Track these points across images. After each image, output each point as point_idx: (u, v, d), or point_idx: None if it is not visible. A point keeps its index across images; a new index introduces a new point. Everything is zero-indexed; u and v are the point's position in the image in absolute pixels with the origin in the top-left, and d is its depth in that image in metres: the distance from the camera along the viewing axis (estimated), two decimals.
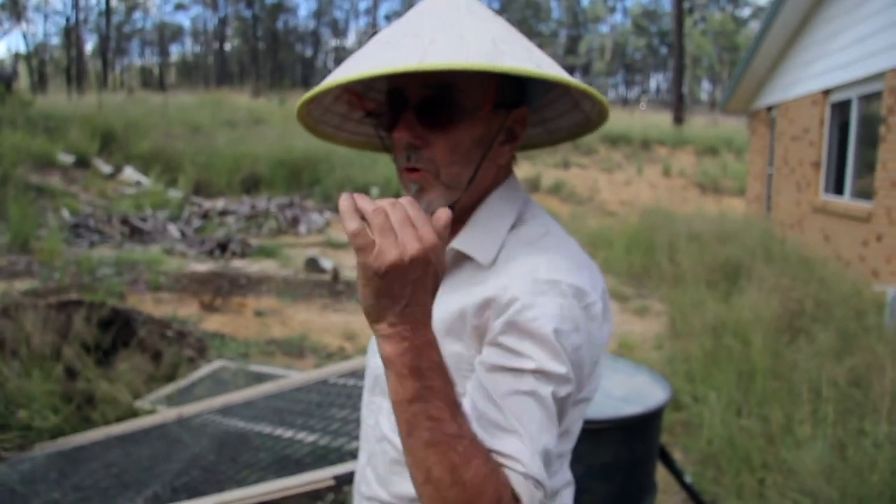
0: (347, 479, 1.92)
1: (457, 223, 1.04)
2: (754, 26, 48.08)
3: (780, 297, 5.86)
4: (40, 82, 47.28)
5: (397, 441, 0.99)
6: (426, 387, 0.82)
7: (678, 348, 5.84)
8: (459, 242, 1.04)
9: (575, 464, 2.21)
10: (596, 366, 1.04)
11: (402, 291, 0.80)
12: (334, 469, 1.99)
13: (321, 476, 1.97)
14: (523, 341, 0.92)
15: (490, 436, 0.90)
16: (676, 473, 2.78)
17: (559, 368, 0.92)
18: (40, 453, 3.95)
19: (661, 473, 3.32)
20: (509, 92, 1.01)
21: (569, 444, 1.09)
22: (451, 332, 1.00)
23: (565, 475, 1.12)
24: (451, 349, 0.98)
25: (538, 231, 1.05)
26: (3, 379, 4.57)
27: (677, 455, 4.23)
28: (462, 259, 1.05)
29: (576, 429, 1.08)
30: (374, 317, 0.82)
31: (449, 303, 1.01)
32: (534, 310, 0.93)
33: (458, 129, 0.99)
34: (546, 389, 0.92)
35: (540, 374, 0.92)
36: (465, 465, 0.83)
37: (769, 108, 11.82)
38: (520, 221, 1.06)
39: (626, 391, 2.48)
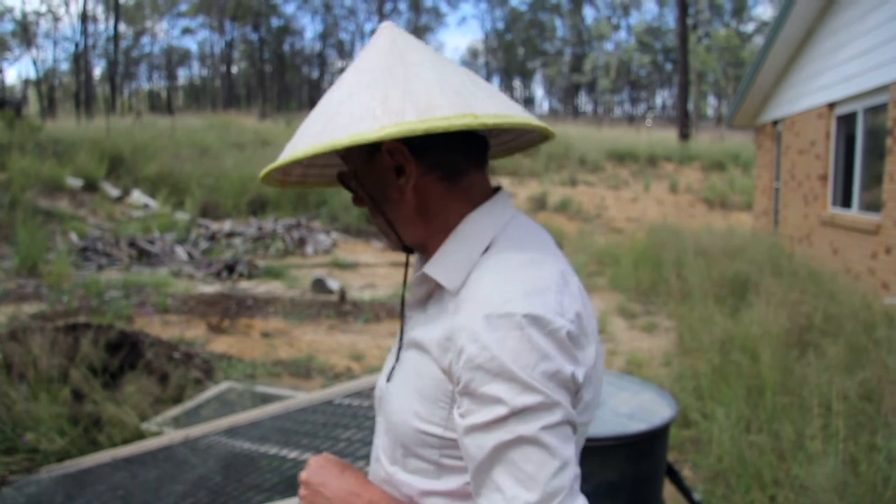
0: None
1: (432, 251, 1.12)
2: (759, 41, 48.21)
3: (788, 311, 5.82)
4: (50, 107, 47.74)
5: (384, 460, 1.12)
6: None
7: (686, 364, 5.80)
8: (429, 267, 1.08)
9: (581, 482, 2.19)
10: (589, 389, 1.02)
11: None
12: None
13: None
14: (489, 384, 0.93)
15: (480, 497, 0.95)
16: (685, 491, 2.75)
17: (532, 399, 0.91)
18: (47, 476, 3.94)
19: (670, 491, 3.28)
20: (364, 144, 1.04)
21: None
22: (431, 360, 1.03)
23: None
24: (430, 378, 1.02)
25: (505, 255, 1.04)
26: (11, 402, 4.58)
27: (686, 473, 4.19)
28: (436, 287, 1.08)
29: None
30: None
31: (430, 329, 1.05)
32: (490, 350, 0.93)
33: (358, 188, 1.13)
34: (531, 427, 0.91)
35: (515, 415, 0.91)
36: None
37: (775, 122, 11.81)
38: (493, 244, 1.06)
39: (631, 408, 2.46)
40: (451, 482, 1.04)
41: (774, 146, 11.87)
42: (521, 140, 1.29)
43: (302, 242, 13.05)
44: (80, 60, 50.10)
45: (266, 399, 4.77)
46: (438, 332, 1.02)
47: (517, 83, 74.79)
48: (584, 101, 76.04)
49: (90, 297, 8.16)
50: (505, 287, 0.97)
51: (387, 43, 1.08)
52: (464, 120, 0.95)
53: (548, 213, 17.34)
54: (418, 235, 1.12)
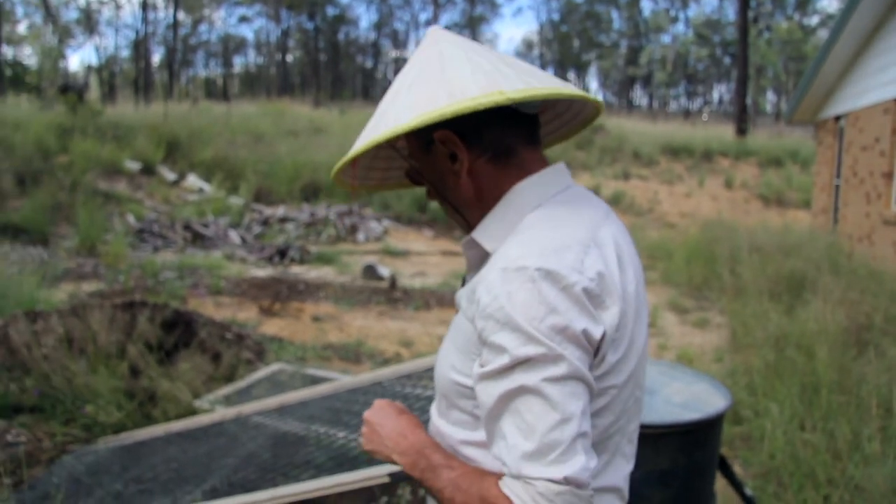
0: (403, 476, 1.91)
1: None
2: (823, 35, 46.85)
3: (847, 310, 5.67)
4: (110, 93, 48.93)
5: (434, 413, 1.21)
6: (426, 469, 1.09)
7: (739, 361, 5.69)
8: (476, 232, 1.14)
9: (633, 470, 2.17)
10: (615, 350, 1.03)
11: (380, 451, 1.18)
12: (390, 466, 1.99)
13: (376, 473, 1.97)
14: (497, 333, 0.97)
15: (491, 444, 1.02)
16: (736, 485, 2.70)
17: (535, 350, 0.94)
18: (104, 447, 4.06)
19: (720, 486, 3.23)
20: (424, 131, 1.12)
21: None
22: (463, 311, 1.10)
23: (605, 478, 1.09)
24: (463, 330, 1.08)
25: (541, 216, 1.09)
26: (72, 375, 4.73)
27: (737, 469, 4.12)
28: (478, 246, 1.14)
29: (602, 421, 1.06)
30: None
31: (467, 285, 1.12)
32: (499, 300, 0.97)
33: (421, 175, 1.21)
34: (532, 378, 0.94)
35: (519, 365, 0.95)
36: (460, 500, 1.02)
37: (837, 118, 11.48)
38: (537, 209, 1.10)
39: (685, 398, 2.42)
40: (485, 433, 1.07)
41: (836, 142, 11.54)
42: (574, 121, 1.32)
43: (354, 229, 13.16)
44: (140, 48, 51.25)
45: (316, 381, 4.82)
46: (468, 287, 1.09)
47: (572, 75, 73.96)
48: (639, 95, 74.92)
49: (146, 278, 8.36)
50: (525, 245, 1.02)
51: (429, 44, 1.16)
52: (491, 97, 1.01)
53: None
54: (480, 216, 1.16)
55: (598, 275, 1.00)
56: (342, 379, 4.03)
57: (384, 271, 9.74)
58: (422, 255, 11.98)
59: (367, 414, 1.22)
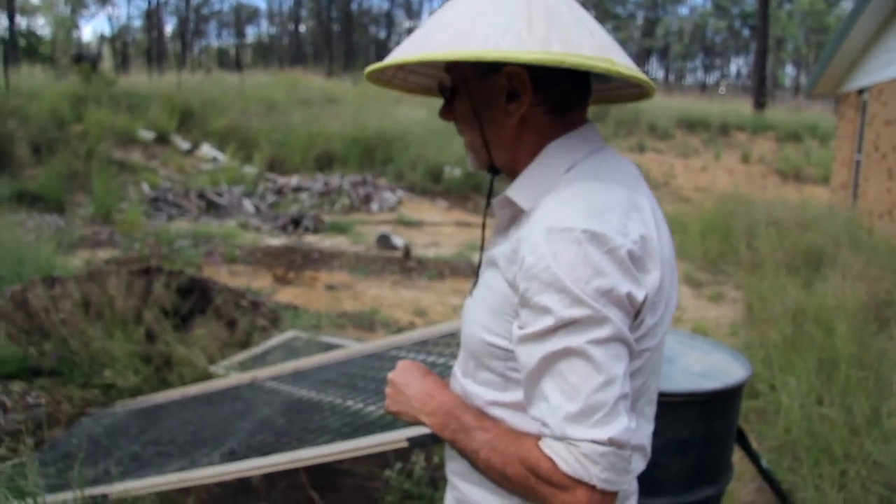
0: (420, 441, 1.91)
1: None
2: (846, 6, 46.01)
3: (866, 285, 5.61)
4: (123, 63, 48.90)
5: (458, 373, 1.20)
6: (458, 430, 1.09)
7: (755, 335, 5.66)
8: (510, 189, 1.11)
9: (652, 436, 2.15)
10: (653, 314, 1.03)
11: (406, 412, 1.19)
12: (407, 431, 1.98)
13: (394, 437, 1.97)
14: (541, 294, 0.95)
15: (530, 406, 1.01)
16: (753, 456, 2.69)
17: (580, 312, 0.94)
18: (122, 410, 4.09)
19: (736, 458, 3.21)
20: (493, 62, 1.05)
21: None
22: (499, 273, 1.07)
23: (634, 438, 1.08)
24: (498, 291, 1.07)
25: (579, 175, 1.06)
26: (89, 339, 4.76)
27: (751, 442, 4.11)
28: (513, 205, 1.10)
29: (635, 383, 1.06)
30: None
31: (503, 244, 1.09)
32: (546, 260, 0.95)
33: (458, 101, 1.15)
34: (578, 340, 0.94)
35: (563, 326, 0.94)
36: (497, 462, 1.03)
37: (860, 91, 11.29)
38: (572, 168, 1.08)
39: (703, 367, 2.40)
40: (515, 394, 1.07)
41: (858, 116, 11.37)
42: (615, 93, 1.30)
43: (367, 199, 13.15)
44: (153, 17, 51.08)
45: (330, 348, 4.83)
46: (507, 246, 1.06)
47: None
48: (655, 68, 74.07)
49: (161, 246, 8.39)
50: (569, 204, 1.00)
51: None
52: (604, 64, 0.98)
53: None
54: (509, 160, 1.14)
55: (640, 238, 1.00)
56: (356, 346, 4.03)
57: (398, 241, 9.74)
58: (435, 226, 11.96)
59: (391, 375, 1.21)
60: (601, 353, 0.94)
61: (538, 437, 1.00)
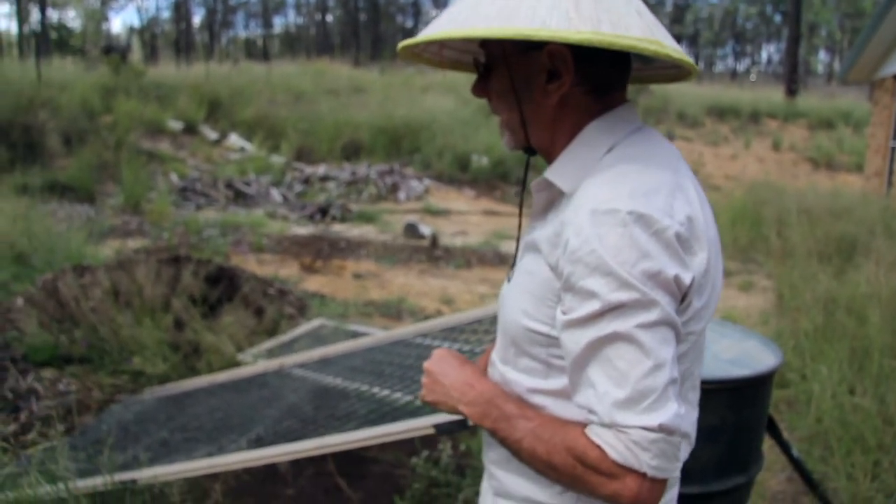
0: (447, 428, 1.90)
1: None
2: None
3: None
4: (152, 54, 49.37)
5: (497, 360, 1.18)
6: (499, 419, 1.06)
7: (786, 323, 5.58)
8: (549, 171, 1.09)
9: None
10: (699, 297, 1.01)
11: (444, 402, 1.16)
12: (434, 418, 1.98)
13: (421, 424, 1.96)
14: (587, 277, 0.93)
15: (576, 393, 0.99)
16: (784, 445, 2.65)
17: (628, 295, 0.92)
18: (150, 397, 4.14)
19: (766, 447, 3.17)
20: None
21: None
22: (540, 258, 1.05)
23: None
24: (538, 276, 1.05)
25: (621, 156, 1.04)
26: (118, 327, 4.82)
27: (782, 432, 4.05)
28: (552, 187, 1.08)
29: (680, 367, 1.03)
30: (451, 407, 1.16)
31: (544, 228, 1.07)
32: (591, 243, 0.93)
33: (495, 78, 1.11)
34: (625, 324, 0.92)
35: (610, 310, 0.92)
36: (542, 451, 1.00)
37: None
38: (612, 151, 1.05)
39: (734, 354, 2.37)
40: (558, 382, 1.06)
41: (893, 102, 11.13)
42: (654, 72, 1.26)
43: (395, 188, 13.16)
44: (181, 9, 51.47)
45: (357, 336, 4.85)
46: (549, 230, 1.03)
47: None
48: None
49: (189, 235, 8.47)
50: (613, 186, 0.98)
51: None
52: (652, 46, 0.95)
53: None
54: (546, 140, 1.12)
55: (687, 219, 0.97)
56: (382, 333, 4.03)
57: (425, 230, 9.74)
58: (463, 215, 11.94)
59: (427, 364, 1.19)
60: (649, 337, 0.92)
61: (584, 425, 0.98)
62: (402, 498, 3.05)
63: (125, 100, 15.62)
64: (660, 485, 0.94)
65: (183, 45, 47.51)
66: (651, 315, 0.92)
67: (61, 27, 42.57)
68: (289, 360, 3.93)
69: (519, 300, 1.09)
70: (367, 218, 10.87)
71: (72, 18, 50.57)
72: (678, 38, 65.40)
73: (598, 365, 0.94)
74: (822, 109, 22.78)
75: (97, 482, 2.56)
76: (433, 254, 8.64)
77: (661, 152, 1.07)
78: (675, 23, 63.69)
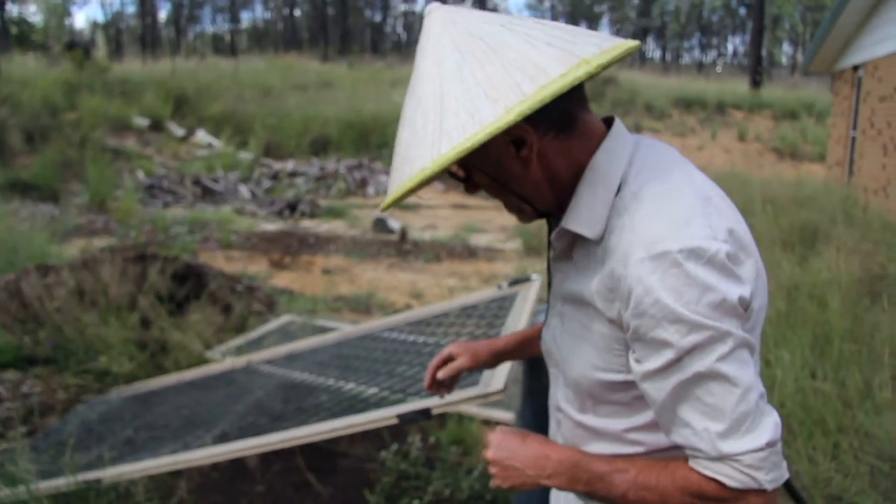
0: (410, 417, 1.91)
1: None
2: None
3: (861, 260, 5.61)
4: (117, 50, 48.63)
5: (570, 411, 1.17)
6: (592, 480, 1.05)
7: None
8: (566, 221, 1.07)
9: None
10: (756, 299, 1.00)
11: (522, 483, 1.11)
12: (398, 408, 1.99)
13: (385, 414, 1.97)
14: (656, 328, 0.94)
15: (670, 433, 1.00)
16: None
17: (701, 336, 0.92)
18: (117, 396, 4.10)
19: None
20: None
21: None
22: (595, 313, 1.05)
23: None
24: (598, 330, 1.05)
25: (639, 188, 1.02)
26: (83, 326, 4.76)
27: None
28: (577, 236, 1.07)
29: None
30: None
31: (583, 283, 1.06)
32: (652, 293, 0.93)
33: (475, 176, 1.09)
34: (706, 363, 0.93)
35: (687, 354, 0.93)
36: (653, 498, 1.01)
37: (855, 68, 11.24)
38: (624, 182, 1.04)
39: None
40: (645, 416, 1.07)
41: (853, 93, 11.33)
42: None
43: (364, 183, 13.12)
44: (146, 4, 50.74)
45: (325, 332, 4.84)
46: (598, 283, 1.03)
47: (583, 28, 72.82)
48: (651, 47, 73.74)
49: (157, 232, 8.38)
50: (652, 226, 0.96)
51: (445, 27, 1.02)
52: (579, 71, 0.94)
53: None
54: (551, 198, 1.10)
55: (728, 232, 0.97)
56: (350, 327, 4.04)
57: (395, 224, 9.73)
58: (432, 209, 11.94)
59: (489, 454, 1.14)
60: (731, 366, 0.93)
61: (684, 459, 1.00)
62: (372, 492, 3.06)
63: (89, 96, 15.39)
64: (775, 492, 0.97)
65: (149, 40, 46.89)
66: (726, 346, 0.92)
67: (22, 22, 41.79)
68: (256, 356, 3.92)
69: (585, 356, 1.09)
70: (336, 213, 10.83)
71: (33, 13, 49.66)
72: (645, 31, 65.97)
73: (689, 405, 0.95)
74: (786, 100, 23.09)
75: (60, 483, 2.53)
76: (402, 248, 8.64)
77: (670, 166, 1.06)
78: (642, 16, 64.17)
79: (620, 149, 1.06)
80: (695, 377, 0.93)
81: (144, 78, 18.77)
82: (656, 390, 0.96)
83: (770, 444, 0.93)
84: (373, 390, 2.89)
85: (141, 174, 12.62)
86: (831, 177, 12.05)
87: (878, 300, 4.95)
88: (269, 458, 3.29)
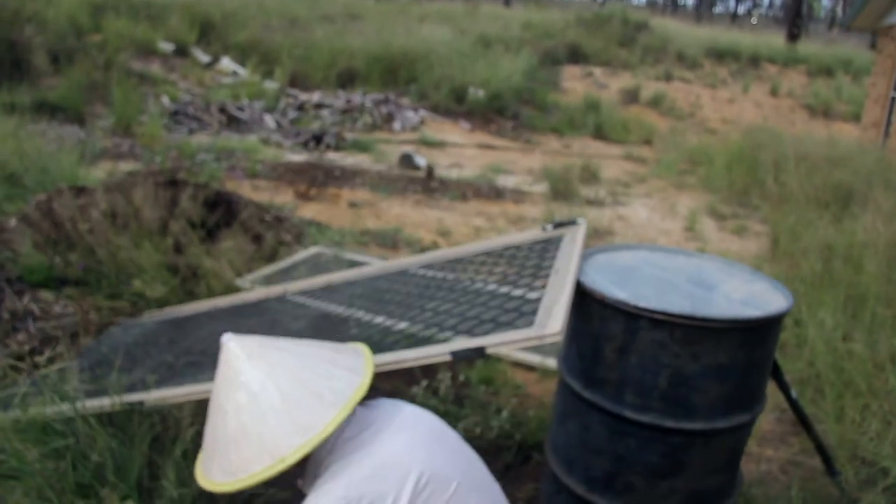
0: (464, 355, 1.91)
1: None
2: None
3: None
4: None
5: None
6: None
7: (780, 269, 5.62)
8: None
9: (691, 363, 2.14)
10: None
11: None
12: (450, 345, 1.98)
13: (438, 350, 1.97)
14: None
15: None
16: (784, 387, 2.69)
17: None
18: (149, 320, 4.14)
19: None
20: None
21: None
22: None
23: None
24: None
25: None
26: (116, 249, 4.78)
27: None
28: None
29: None
30: None
31: None
32: None
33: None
34: None
35: None
36: None
37: None
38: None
39: (744, 295, 2.38)
40: None
41: None
42: None
43: (390, 118, 12.98)
44: None
45: (355, 265, 4.84)
46: None
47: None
48: None
49: (183, 159, 8.35)
50: None
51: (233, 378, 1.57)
52: (273, 470, 1.38)
53: (639, 108, 16.74)
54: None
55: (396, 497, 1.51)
56: (386, 262, 4.02)
57: (421, 161, 9.66)
58: (458, 147, 11.83)
59: None
60: None
61: None
62: None
63: (115, 18, 15.18)
64: None
65: None
66: None
67: None
68: (292, 286, 3.92)
69: None
70: (361, 147, 10.75)
71: None
72: None
73: None
74: (822, 56, 22.54)
75: (104, 403, 2.57)
76: (429, 185, 8.59)
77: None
78: None
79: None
80: None
81: (170, 1, 18.48)
82: None
83: None
84: (403, 324, 2.89)
85: (166, 99, 12.53)
86: (865, 138, 11.81)
87: None
88: None
